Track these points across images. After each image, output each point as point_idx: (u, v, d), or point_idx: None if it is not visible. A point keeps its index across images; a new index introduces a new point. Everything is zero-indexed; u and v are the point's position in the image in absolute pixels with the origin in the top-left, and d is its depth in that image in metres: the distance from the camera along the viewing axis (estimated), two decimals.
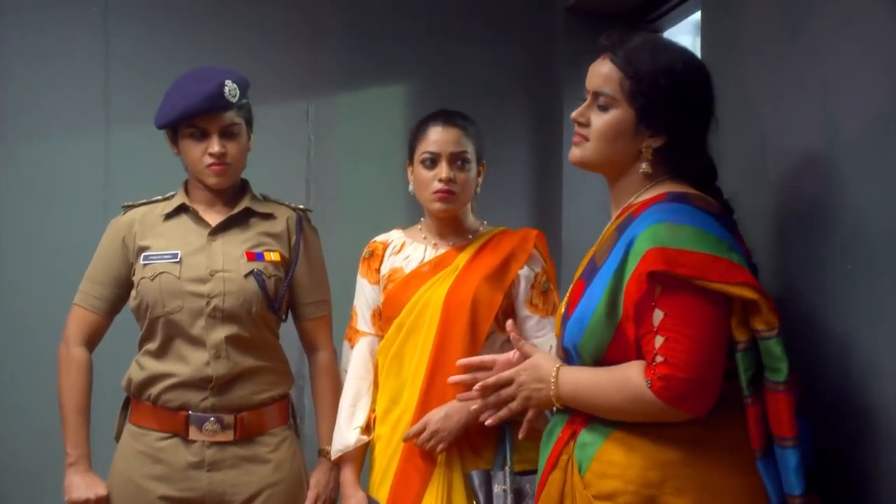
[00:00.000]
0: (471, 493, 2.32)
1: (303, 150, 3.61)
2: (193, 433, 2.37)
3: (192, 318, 2.37)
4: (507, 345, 2.41)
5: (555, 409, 1.87)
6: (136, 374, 2.42)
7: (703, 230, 1.68)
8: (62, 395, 2.42)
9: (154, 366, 2.40)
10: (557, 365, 1.82)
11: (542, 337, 2.42)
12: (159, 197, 2.53)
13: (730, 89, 2.40)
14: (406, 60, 3.70)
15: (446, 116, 2.48)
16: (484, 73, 3.69)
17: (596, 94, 1.82)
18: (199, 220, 2.46)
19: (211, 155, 2.38)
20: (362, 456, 2.48)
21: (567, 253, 3.50)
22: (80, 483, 2.38)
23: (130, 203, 2.53)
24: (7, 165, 3.41)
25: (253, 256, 2.43)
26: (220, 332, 2.37)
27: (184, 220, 2.46)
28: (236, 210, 2.47)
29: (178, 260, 2.40)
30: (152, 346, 2.41)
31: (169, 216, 2.47)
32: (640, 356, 1.70)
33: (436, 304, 2.39)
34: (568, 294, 1.90)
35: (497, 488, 2.30)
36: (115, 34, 3.48)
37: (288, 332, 2.58)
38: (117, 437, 2.48)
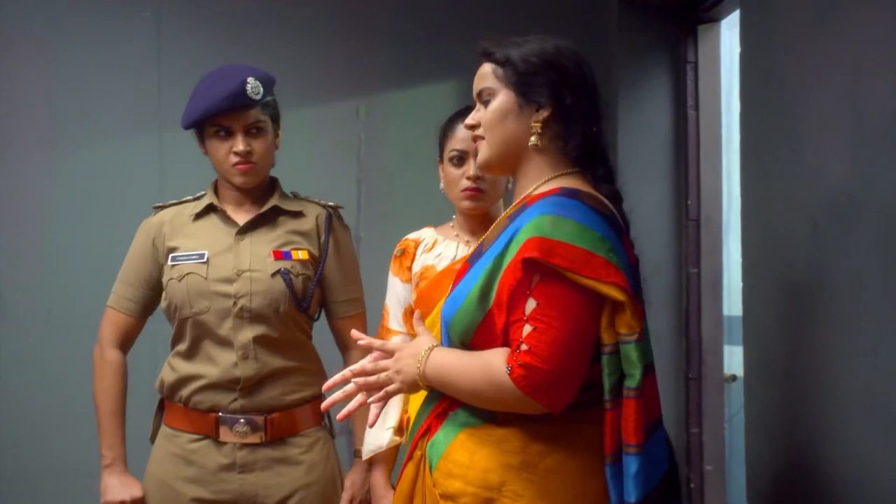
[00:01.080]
0: None
1: (353, 149, 3.58)
2: (224, 435, 2.34)
3: (219, 318, 2.34)
4: None
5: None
6: (167, 375, 2.41)
7: (587, 227, 1.67)
8: (97, 397, 2.42)
9: (184, 367, 2.38)
10: (432, 344, 1.80)
11: None
12: (189, 197, 2.51)
13: (768, 81, 2.33)
14: (457, 57, 3.58)
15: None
16: None
17: (479, 95, 1.86)
18: (227, 219, 2.43)
19: (236, 153, 2.35)
20: (394, 457, 2.42)
21: None
22: (117, 484, 2.37)
23: (161, 204, 2.52)
24: (64, 170, 3.46)
25: (280, 255, 2.40)
26: (248, 333, 2.34)
27: (212, 220, 2.44)
28: (264, 209, 2.43)
29: (204, 260, 2.38)
30: (182, 347, 2.39)
31: (198, 216, 2.45)
32: (505, 343, 1.68)
33: None
34: (454, 276, 1.88)
35: None
36: (167, 39, 3.51)
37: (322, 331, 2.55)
38: (153, 439, 2.46)
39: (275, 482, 2.36)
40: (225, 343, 2.35)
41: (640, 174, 3.54)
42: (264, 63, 3.43)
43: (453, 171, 2.40)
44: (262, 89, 2.37)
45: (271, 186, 2.50)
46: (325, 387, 1.91)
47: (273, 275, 2.37)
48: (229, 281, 2.36)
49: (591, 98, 1.85)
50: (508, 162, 1.85)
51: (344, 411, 1.85)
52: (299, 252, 2.42)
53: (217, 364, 2.35)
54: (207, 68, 3.41)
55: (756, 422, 2.47)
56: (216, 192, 2.48)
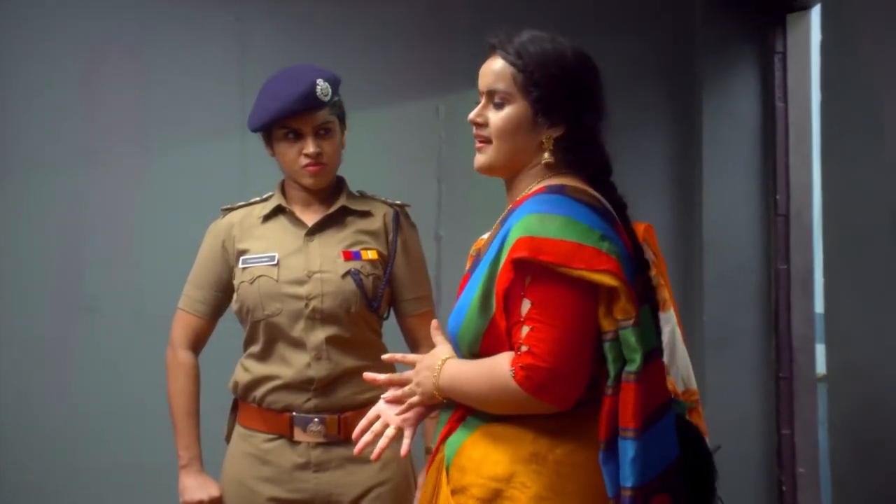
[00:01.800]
0: None
1: (433, 148, 3.60)
2: (298, 434, 2.37)
3: (291, 320, 2.37)
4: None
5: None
6: (241, 376, 2.44)
7: (573, 219, 1.67)
8: (171, 399, 2.47)
9: (258, 368, 2.41)
10: (446, 356, 1.79)
11: None
12: (257, 199, 2.54)
13: (849, 72, 2.27)
14: None
15: None
16: (616, 63, 3.53)
17: (490, 93, 1.81)
18: (296, 220, 2.45)
19: (307, 156, 2.37)
20: None
21: (708, 249, 3.36)
22: (194, 484, 2.42)
23: (229, 206, 2.55)
24: (152, 173, 3.55)
25: (350, 256, 2.41)
26: (320, 334, 2.36)
27: (281, 222, 2.46)
28: (332, 209, 2.44)
29: (275, 262, 2.40)
30: (255, 348, 2.41)
31: (266, 218, 2.47)
32: (511, 347, 1.68)
33: None
34: (459, 286, 1.86)
35: None
36: (249, 42, 3.57)
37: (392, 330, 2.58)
38: (227, 439, 2.51)
39: (349, 481, 2.39)
40: (298, 344, 2.38)
41: (725, 169, 3.49)
42: (345, 64, 3.48)
43: None
44: (330, 90, 2.39)
45: (338, 186, 2.51)
46: (355, 434, 1.94)
47: (343, 275, 2.39)
48: (300, 283, 2.38)
49: (602, 110, 1.83)
50: (511, 170, 1.84)
51: (377, 450, 1.89)
52: (368, 252, 2.43)
53: (291, 365, 2.38)
54: None
55: (840, 422, 2.41)
56: (284, 193, 2.50)
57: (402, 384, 1.87)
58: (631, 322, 1.65)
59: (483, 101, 1.83)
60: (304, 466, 2.38)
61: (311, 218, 2.45)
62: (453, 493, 1.74)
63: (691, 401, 2.32)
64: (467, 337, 1.76)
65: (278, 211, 2.48)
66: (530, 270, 1.65)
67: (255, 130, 2.44)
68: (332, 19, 3.59)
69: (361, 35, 3.58)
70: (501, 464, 1.71)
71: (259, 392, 2.40)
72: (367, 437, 1.89)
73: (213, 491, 2.43)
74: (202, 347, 2.53)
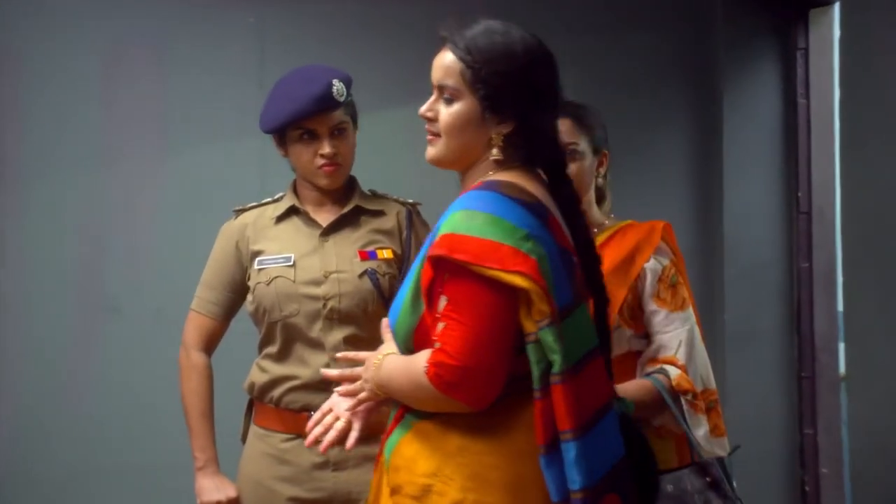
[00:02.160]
0: None
1: None
2: None
3: (309, 320, 2.38)
4: (634, 339, 2.33)
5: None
6: (257, 377, 2.45)
7: (499, 217, 1.66)
8: (185, 400, 2.49)
9: (275, 369, 2.42)
10: (386, 352, 1.80)
11: (671, 332, 2.30)
12: (268, 199, 2.55)
13: (869, 67, 2.25)
14: (557, 52, 3.60)
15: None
16: (636, 61, 3.58)
17: (440, 88, 1.80)
18: (309, 221, 2.46)
19: (322, 156, 2.38)
20: None
21: (729, 246, 3.35)
22: (211, 486, 2.44)
23: (241, 207, 2.57)
24: (173, 173, 3.57)
25: (366, 255, 2.42)
26: (338, 334, 2.38)
27: (295, 223, 2.48)
28: (347, 209, 2.46)
29: (291, 263, 2.41)
30: (272, 349, 2.43)
31: (280, 219, 2.48)
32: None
33: None
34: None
35: None
36: (268, 42, 3.59)
37: None
38: (243, 439, 2.52)
39: (367, 479, 2.35)
40: (316, 345, 2.39)
41: (746, 166, 3.48)
42: (363, 64, 3.51)
43: None
44: (344, 90, 2.40)
45: (351, 186, 2.52)
46: (308, 426, 1.96)
47: (360, 275, 2.40)
48: (317, 283, 2.39)
49: (555, 102, 1.82)
50: (462, 164, 1.83)
51: (325, 442, 1.91)
52: (384, 251, 2.44)
53: (309, 365, 2.39)
54: None
55: (861, 422, 2.40)
56: (296, 193, 2.51)
57: (353, 380, 1.88)
58: (546, 322, 1.64)
59: (434, 94, 1.82)
60: (322, 465, 2.40)
61: (324, 218, 2.47)
62: (392, 493, 1.75)
63: (710, 400, 2.31)
64: (401, 332, 1.77)
65: (291, 211, 2.49)
66: (447, 268, 1.66)
67: (268, 132, 2.45)
68: (349, 20, 3.60)
69: (379, 35, 3.58)
70: (429, 459, 1.72)
71: (277, 392, 2.42)
72: (318, 429, 1.91)
73: (230, 492, 2.45)
74: (215, 348, 2.55)
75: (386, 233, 2.48)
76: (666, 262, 2.35)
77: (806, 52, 3.44)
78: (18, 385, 3.46)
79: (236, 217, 2.56)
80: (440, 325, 1.65)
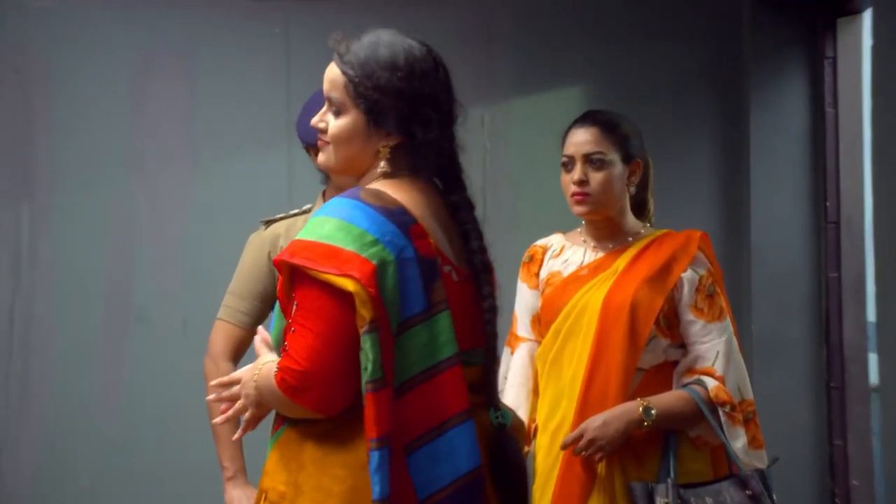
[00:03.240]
0: None
1: (478, 158, 3.60)
2: None
3: None
4: (670, 349, 2.34)
5: None
6: None
7: (349, 223, 1.67)
8: (213, 410, 2.42)
9: None
10: (264, 361, 1.76)
11: (709, 343, 2.31)
12: (296, 211, 2.56)
13: None
14: (580, 63, 3.65)
15: (585, 117, 2.44)
16: (662, 70, 3.59)
17: (329, 100, 1.82)
18: None
19: None
20: None
21: (756, 256, 3.35)
22: (241, 496, 2.45)
23: (270, 218, 2.58)
24: (200, 184, 3.60)
25: None
26: None
27: None
28: None
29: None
30: None
31: None
32: None
33: (593, 308, 2.32)
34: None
35: (659, 501, 2.22)
36: (295, 54, 3.62)
37: None
38: None
39: None
40: None
41: (774, 175, 3.48)
42: None
43: (564, 177, 2.41)
44: None
45: None
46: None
47: None
48: None
49: (446, 110, 1.83)
50: (353, 173, 1.85)
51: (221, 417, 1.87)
52: None
53: None
54: None
55: (893, 433, 2.40)
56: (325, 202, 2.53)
57: (233, 400, 1.82)
58: (366, 328, 1.62)
59: (326, 106, 1.83)
60: None
61: None
62: (262, 498, 1.77)
63: (748, 412, 2.31)
64: (274, 337, 1.79)
65: None
66: (292, 273, 1.68)
67: (309, 142, 2.45)
68: (377, 28, 3.60)
69: None
70: (286, 468, 1.73)
71: None
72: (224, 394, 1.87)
73: None
74: (242, 357, 2.54)
75: None
76: (703, 272, 2.35)
77: (834, 60, 3.45)
78: (47, 392, 3.49)
79: (266, 228, 2.57)
80: (291, 331, 1.67)
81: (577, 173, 2.37)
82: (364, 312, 1.63)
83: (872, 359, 3.44)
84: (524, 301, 2.50)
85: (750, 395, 2.34)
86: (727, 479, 2.27)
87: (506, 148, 3.62)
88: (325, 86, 1.82)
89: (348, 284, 1.62)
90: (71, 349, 3.50)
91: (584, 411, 2.29)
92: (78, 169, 3.54)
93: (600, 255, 2.42)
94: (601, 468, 2.28)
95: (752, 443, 2.30)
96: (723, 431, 2.26)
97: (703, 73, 3.62)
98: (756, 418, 2.34)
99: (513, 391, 2.46)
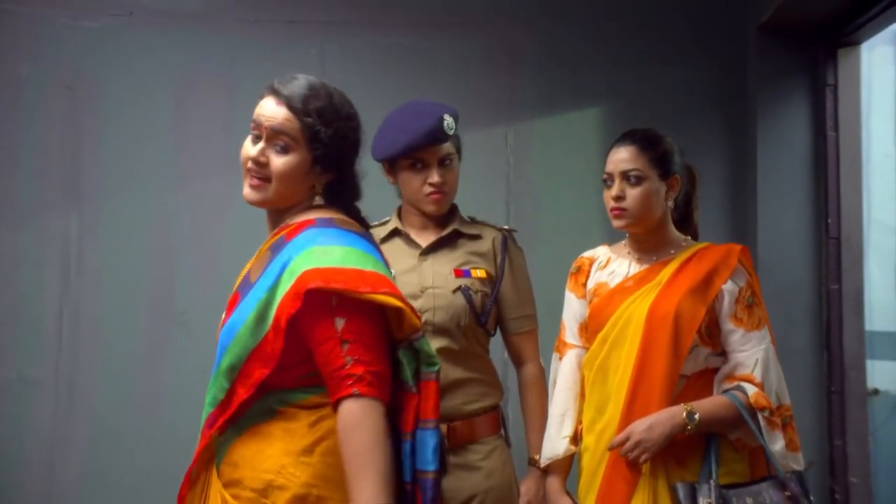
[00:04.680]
0: None
1: (502, 173, 3.58)
2: None
3: None
4: (711, 357, 2.31)
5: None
6: None
7: (352, 247, 1.78)
8: None
9: None
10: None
11: (748, 350, 2.28)
12: (375, 223, 2.54)
13: None
14: (599, 85, 3.62)
15: (625, 136, 2.41)
16: (675, 94, 3.58)
17: (274, 135, 1.83)
18: (411, 242, 2.46)
19: (431, 184, 2.38)
20: (569, 464, 2.41)
21: (763, 270, 3.32)
22: None
23: None
24: (236, 195, 3.51)
25: (460, 273, 2.41)
26: (432, 345, 2.33)
27: (397, 244, 2.47)
28: (445, 232, 2.45)
29: (391, 279, 2.39)
30: None
31: (384, 240, 2.47)
32: (286, 363, 1.74)
33: (639, 318, 2.29)
34: (228, 303, 1.88)
35: (702, 501, 2.18)
36: (330, 73, 3.56)
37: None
38: None
39: (456, 486, 2.36)
40: None
41: (779, 194, 3.46)
42: (419, 94, 3.47)
43: (605, 193, 2.38)
44: (454, 124, 2.39)
45: (451, 211, 2.52)
46: None
47: (454, 291, 2.39)
48: (414, 297, 2.37)
49: (359, 151, 1.93)
50: (282, 205, 1.88)
51: None
52: (478, 271, 2.43)
53: None
54: (367, 99, 3.47)
55: None
56: (400, 217, 2.51)
57: None
58: (420, 333, 1.80)
59: (264, 139, 1.85)
60: None
61: (425, 240, 2.46)
62: (226, 486, 1.77)
63: (785, 416, 2.28)
64: (234, 351, 1.77)
65: (395, 234, 2.48)
66: (330, 296, 1.72)
67: (381, 160, 2.44)
68: (407, 52, 3.58)
69: (435, 67, 3.58)
70: (273, 458, 1.75)
71: None
72: None
73: None
74: None
75: (481, 255, 2.46)
76: (742, 283, 2.33)
77: (835, 88, 3.44)
78: (92, 394, 3.41)
79: None
80: (346, 345, 1.71)
81: (615, 189, 2.34)
82: (414, 321, 1.78)
83: (870, 365, 3.43)
84: (572, 310, 2.47)
85: (787, 401, 2.32)
86: (766, 481, 2.24)
87: (528, 164, 3.58)
88: (272, 125, 1.84)
89: (392, 300, 1.75)
90: (115, 351, 3.43)
91: (629, 415, 2.27)
92: (124, 180, 3.47)
93: (644, 266, 2.38)
94: (645, 468, 2.25)
95: (790, 445, 2.27)
96: (762, 435, 2.23)
97: (713, 98, 3.61)
98: (793, 422, 2.31)
99: (561, 395, 2.43)
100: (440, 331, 2.36)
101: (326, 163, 1.84)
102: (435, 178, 2.38)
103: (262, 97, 1.89)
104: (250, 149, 1.87)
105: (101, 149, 3.46)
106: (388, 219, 2.53)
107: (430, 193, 2.39)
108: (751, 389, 2.25)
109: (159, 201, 3.48)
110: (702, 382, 2.32)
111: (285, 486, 1.73)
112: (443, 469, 1.89)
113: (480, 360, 2.44)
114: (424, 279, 2.40)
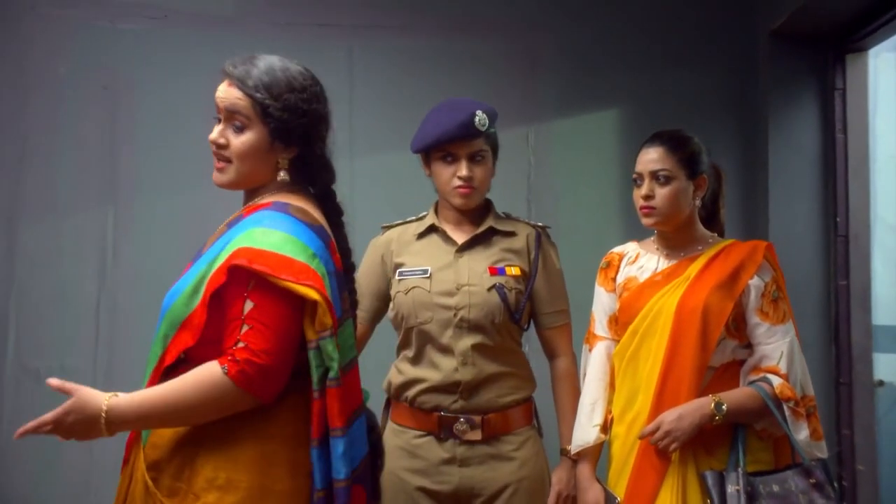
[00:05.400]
0: (705, 491, 2.21)
1: (524, 172, 3.57)
2: (445, 432, 2.35)
3: (441, 328, 2.35)
4: (738, 350, 2.31)
5: None
6: (395, 377, 2.43)
7: (292, 236, 1.72)
8: None
9: (410, 371, 2.39)
10: (106, 399, 1.67)
11: (774, 343, 2.28)
12: (412, 218, 2.53)
13: None
14: (617, 88, 3.62)
15: (654, 137, 2.40)
16: (689, 97, 3.57)
17: (230, 116, 1.82)
18: (447, 238, 2.44)
19: (459, 178, 2.36)
20: (599, 452, 2.41)
21: None
22: None
23: (388, 224, 2.55)
24: None
25: (495, 271, 2.39)
26: (467, 341, 2.34)
27: (434, 240, 2.46)
28: (481, 229, 2.44)
29: (428, 275, 2.38)
30: (409, 353, 2.40)
31: (421, 235, 2.46)
32: (208, 338, 1.69)
33: (668, 311, 2.29)
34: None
35: (730, 488, 2.18)
36: (358, 74, 3.56)
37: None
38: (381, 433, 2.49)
39: (490, 476, 2.36)
40: (446, 350, 2.36)
41: (790, 193, 3.46)
42: (444, 94, 3.45)
43: (635, 192, 2.37)
44: (487, 121, 2.37)
45: (486, 208, 2.50)
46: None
47: (489, 289, 2.37)
48: (450, 294, 2.37)
49: (328, 128, 1.90)
50: (250, 185, 1.85)
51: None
52: (512, 268, 2.42)
53: (440, 369, 2.36)
54: (393, 100, 3.51)
55: None
56: (436, 213, 2.49)
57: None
58: (328, 333, 1.70)
59: (222, 121, 1.83)
60: (450, 461, 2.36)
61: (460, 236, 2.44)
62: (149, 468, 1.73)
63: (809, 406, 2.28)
64: (169, 319, 1.75)
65: (432, 230, 2.47)
66: (250, 276, 1.67)
67: (416, 151, 2.44)
68: (432, 55, 3.57)
69: (459, 70, 3.56)
70: (191, 438, 1.72)
71: (411, 392, 2.38)
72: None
73: None
74: (361, 351, 2.50)
75: (516, 252, 2.45)
76: (768, 278, 2.33)
77: (843, 91, 3.44)
78: (129, 383, 3.30)
79: (383, 233, 2.55)
80: (245, 327, 1.67)
81: (644, 189, 2.34)
82: (325, 319, 1.70)
83: (875, 358, 3.44)
84: (602, 303, 2.47)
85: (811, 392, 2.32)
86: (792, 469, 2.24)
87: (548, 163, 3.57)
88: (225, 105, 1.83)
89: (311, 293, 1.68)
90: (150, 342, 3.39)
91: (659, 405, 2.27)
92: (158, 176, 3.46)
93: (673, 262, 2.38)
94: (675, 457, 2.25)
95: (813, 434, 2.27)
96: (787, 425, 2.23)
97: (726, 101, 3.60)
98: (816, 412, 2.31)
99: (592, 385, 2.43)
100: (475, 327, 2.35)
101: (285, 138, 1.81)
102: (464, 171, 2.36)
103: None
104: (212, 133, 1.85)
105: (137, 147, 3.44)
106: (424, 213, 2.52)
107: (458, 187, 2.37)
108: (776, 381, 2.25)
109: (192, 197, 3.45)
110: (729, 374, 2.31)
111: (197, 471, 1.71)
112: (377, 456, 1.91)
113: (514, 354, 2.43)
114: (460, 276, 2.38)
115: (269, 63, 1.85)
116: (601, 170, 3.55)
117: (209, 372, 1.66)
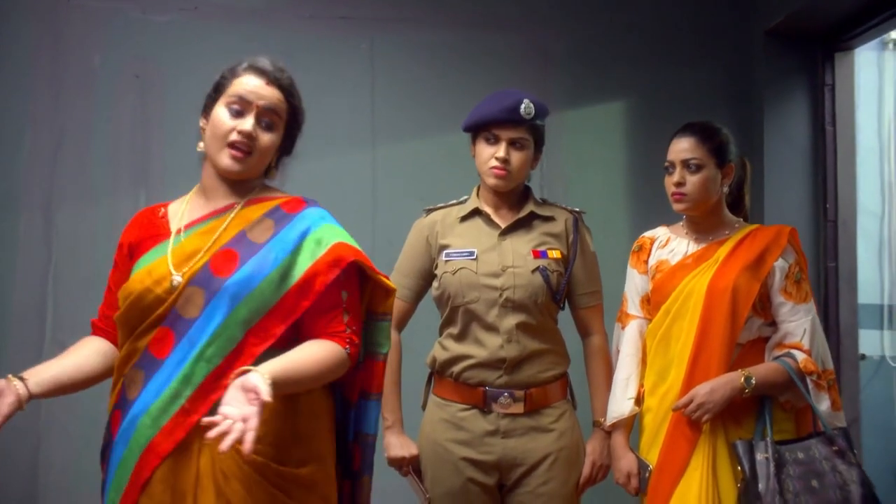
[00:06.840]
0: (735, 459, 2.21)
1: None
2: (490, 406, 2.33)
3: (487, 307, 2.32)
4: (763, 327, 2.31)
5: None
6: (440, 354, 2.40)
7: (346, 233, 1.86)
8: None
9: (456, 348, 2.36)
10: (262, 371, 1.59)
11: (797, 321, 2.29)
12: (454, 201, 2.50)
13: None
14: (622, 83, 3.60)
15: (685, 127, 2.40)
16: (689, 91, 3.57)
17: (265, 112, 1.81)
18: (490, 221, 2.41)
19: (496, 159, 2.33)
20: (631, 424, 2.40)
21: None
22: (397, 443, 2.39)
23: (431, 207, 2.51)
24: (294, 180, 3.43)
25: (538, 254, 2.37)
26: (512, 320, 2.32)
27: (477, 223, 2.42)
28: (522, 213, 2.41)
29: (474, 257, 2.35)
30: (454, 330, 2.37)
31: (464, 218, 2.43)
32: (304, 319, 1.74)
33: (699, 292, 2.29)
34: (209, 258, 1.75)
35: (759, 456, 2.19)
36: (379, 67, 3.50)
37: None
38: (423, 407, 2.47)
39: (531, 446, 2.34)
40: (491, 328, 2.33)
41: (783, 181, 3.48)
42: (459, 85, 3.45)
43: (667, 179, 2.36)
44: (533, 111, 2.34)
45: (525, 194, 2.47)
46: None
47: (533, 271, 2.35)
48: (496, 275, 2.34)
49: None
50: (252, 175, 1.84)
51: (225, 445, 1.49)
52: (553, 251, 2.39)
53: (485, 346, 2.33)
54: (413, 91, 3.47)
55: None
56: (478, 196, 2.46)
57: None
58: (389, 317, 1.89)
59: (248, 115, 1.80)
60: (493, 433, 2.34)
61: (503, 220, 2.41)
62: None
63: (829, 379, 2.29)
64: (254, 304, 1.69)
65: (475, 213, 2.43)
66: (346, 268, 1.76)
67: (465, 130, 2.42)
68: (448, 48, 3.53)
69: (474, 63, 3.52)
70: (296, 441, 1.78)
71: (456, 368, 2.36)
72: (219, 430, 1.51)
73: (412, 450, 2.41)
74: (404, 327, 2.49)
75: (555, 236, 2.42)
76: (791, 261, 2.33)
77: (832, 87, 3.47)
78: None
79: (426, 215, 2.51)
80: (346, 315, 1.77)
81: (676, 176, 2.33)
82: (391, 304, 1.88)
83: (862, 334, 3.48)
84: (634, 284, 2.45)
85: (830, 366, 2.33)
86: (815, 437, 2.25)
87: (559, 153, 3.55)
88: (264, 104, 1.80)
89: (392, 284, 1.86)
90: None
91: (691, 379, 2.27)
92: (188, 164, 3.30)
93: (702, 245, 2.38)
94: (705, 427, 2.25)
95: (834, 405, 2.29)
96: (811, 396, 2.24)
97: (723, 96, 3.60)
98: (836, 385, 2.33)
99: (626, 360, 2.42)
100: (519, 307, 2.33)
101: (288, 143, 1.87)
102: (501, 153, 2.32)
103: (235, 74, 1.83)
104: (240, 122, 1.78)
105: (167, 134, 3.36)
106: (465, 197, 2.48)
107: (493, 167, 2.33)
108: (800, 356, 2.26)
109: None
110: (755, 350, 2.32)
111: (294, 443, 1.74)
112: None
113: (553, 332, 2.42)
114: (505, 258, 2.36)
115: (280, 63, 1.87)
116: (609, 158, 3.54)
117: (336, 350, 1.75)
